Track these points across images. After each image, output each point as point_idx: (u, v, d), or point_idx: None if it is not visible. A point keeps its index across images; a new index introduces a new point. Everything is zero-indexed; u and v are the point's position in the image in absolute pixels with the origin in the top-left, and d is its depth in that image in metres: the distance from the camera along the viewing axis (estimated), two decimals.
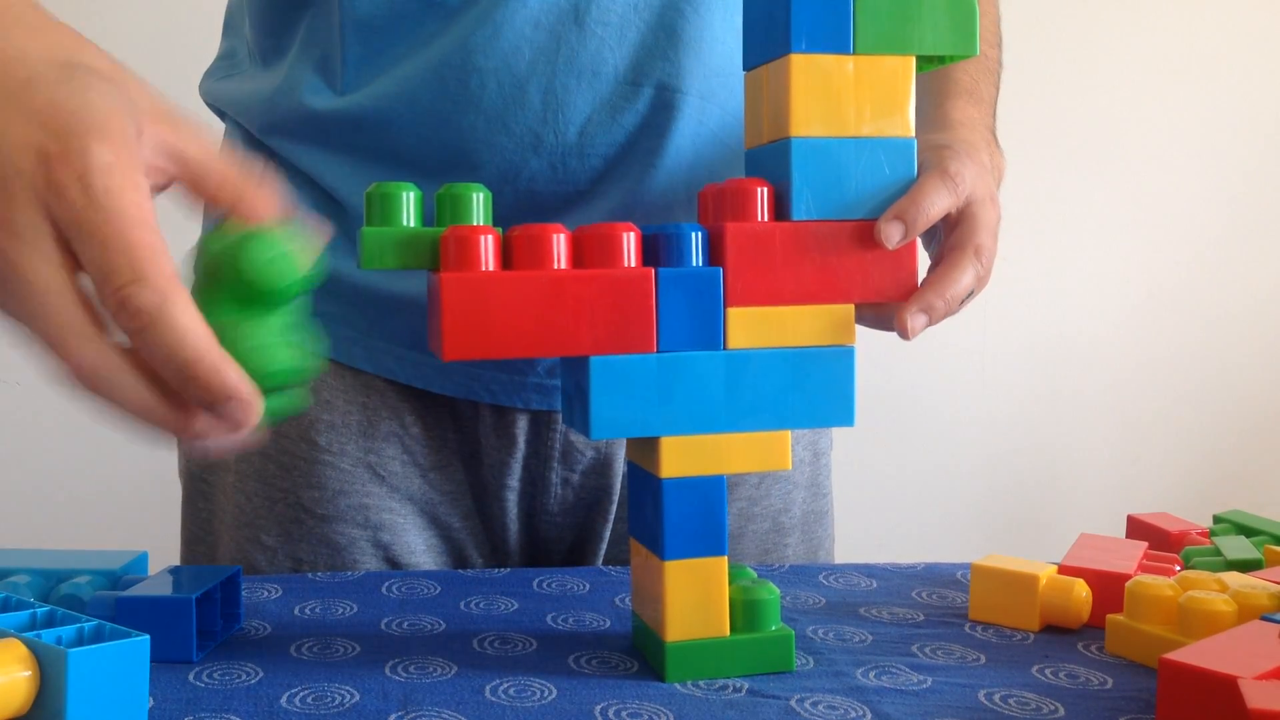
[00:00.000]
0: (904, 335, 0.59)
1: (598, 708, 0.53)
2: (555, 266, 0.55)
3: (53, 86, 0.43)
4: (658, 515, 0.57)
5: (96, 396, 0.44)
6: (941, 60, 0.61)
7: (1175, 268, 2.07)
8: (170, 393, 0.44)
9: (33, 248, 0.42)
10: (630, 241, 0.56)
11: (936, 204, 0.59)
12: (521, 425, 0.79)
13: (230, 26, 0.84)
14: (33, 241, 0.42)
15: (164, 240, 0.43)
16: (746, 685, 0.57)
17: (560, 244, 0.56)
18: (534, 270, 0.55)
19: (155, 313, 0.41)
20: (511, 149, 0.71)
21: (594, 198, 0.73)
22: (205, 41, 0.88)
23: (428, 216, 0.58)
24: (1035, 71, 1.94)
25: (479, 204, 0.56)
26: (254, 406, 0.44)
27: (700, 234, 0.57)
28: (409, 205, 0.56)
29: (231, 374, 0.43)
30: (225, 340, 0.45)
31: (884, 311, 0.61)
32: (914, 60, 0.58)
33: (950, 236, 0.64)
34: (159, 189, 0.47)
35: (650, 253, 0.58)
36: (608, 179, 0.73)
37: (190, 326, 0.42)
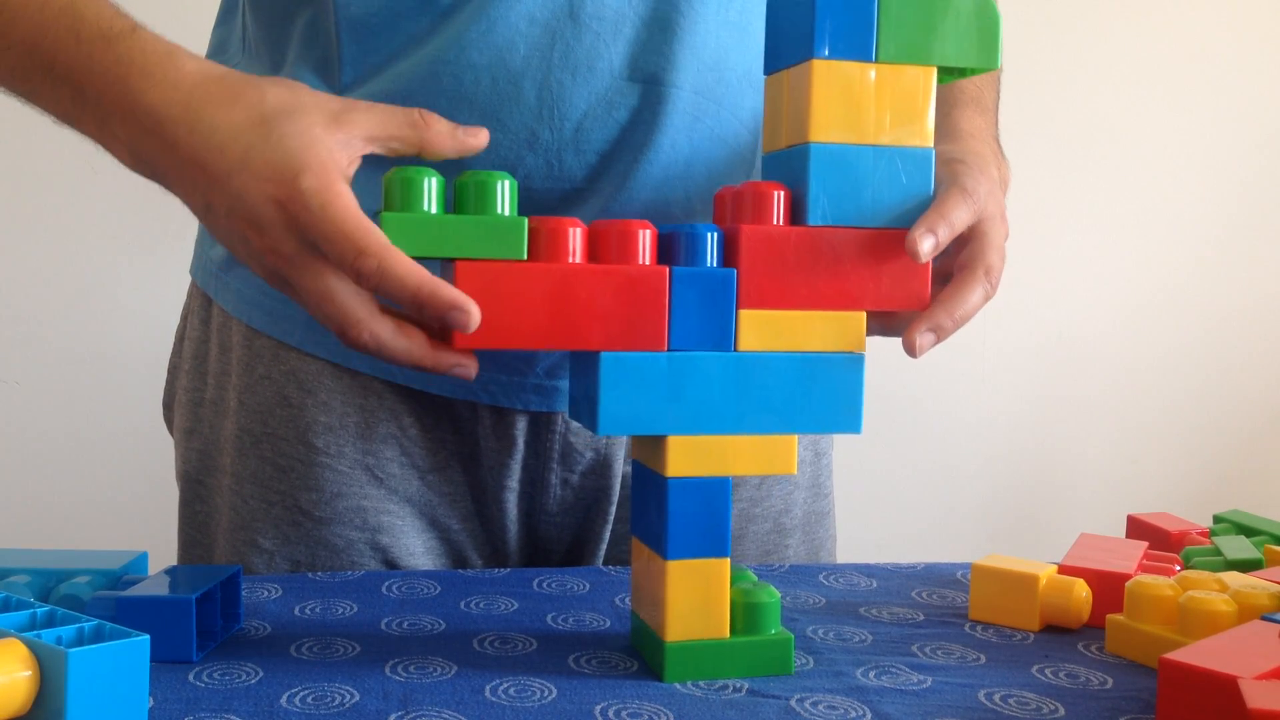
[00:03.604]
0: (912, 354, 0.60)
1: (598, 708, 0.53)
2: (570, 260, 0.56)
3: (261, 148, 0.56)
4: (662, 515, 0.57)
5: (378, 355, 0.57)
6: (962, 73, 0.61)
7: (1175, 268, 2.07)
8: (423, 333, 0.57)
9: (304, 267, 0.56)
10: (646, 239, 0.56)
11: (960, 219, 0.60)
12: (520, 426, 0.78)
13: (224, 19, 0.84)
14: (302, 263, 0.56)
15: (370, 221, 0.55)
16: (746, 685, 0.57)
17: (576, 238, 0.56)
18: (549, 262, 0.55)
19: (379, 270, 0.53)
20: (507, 145, 0.71)
21: (589, 195, 0.73)
22: (198, 38, 0.87)
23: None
24: (1038, 72, 1.94)
25: (504, 192, 0.56)
26: (474, 310, 0.54)
27: (715, 234, 0.57)
28: (431, 191, 0.55)
29: (445, 290, 0.54)
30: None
31: (892, 321, 0.61)
32: (935, 71, 0.58)
33: (960, 254, 0.64)
34: (358, 164, 0.59)
35: (665, 251, 0.58)
36: (603, 175, 0.73)
37: (406, 269, 0.54)
